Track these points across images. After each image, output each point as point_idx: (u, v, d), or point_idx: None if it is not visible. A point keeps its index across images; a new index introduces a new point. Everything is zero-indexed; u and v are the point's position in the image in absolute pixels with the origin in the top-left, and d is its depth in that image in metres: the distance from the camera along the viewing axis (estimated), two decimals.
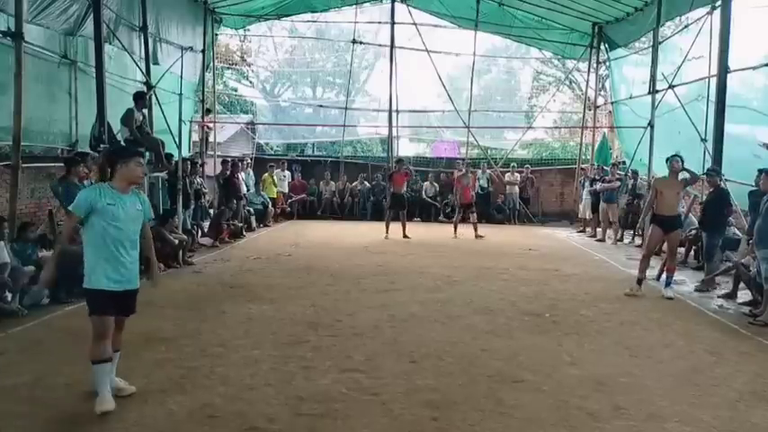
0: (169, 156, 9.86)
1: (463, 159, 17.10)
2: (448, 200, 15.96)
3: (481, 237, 12.14)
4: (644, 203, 11.50)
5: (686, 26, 11.68)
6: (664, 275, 7.37)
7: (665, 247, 9.86)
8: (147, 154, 9.30)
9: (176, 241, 8.47)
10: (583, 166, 15.94)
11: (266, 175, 14.76)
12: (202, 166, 13.93)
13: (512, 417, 3.60)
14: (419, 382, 4.13)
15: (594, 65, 16.42)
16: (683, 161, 7.15)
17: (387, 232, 12.07)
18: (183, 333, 5.16)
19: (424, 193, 16.10)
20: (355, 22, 16.63)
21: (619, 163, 14.38)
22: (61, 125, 9.19)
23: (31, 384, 3.97)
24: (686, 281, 8.10)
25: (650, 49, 12.81)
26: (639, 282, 7.14)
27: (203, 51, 14.56)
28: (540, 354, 4.82)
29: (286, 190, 15.58)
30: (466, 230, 12.42)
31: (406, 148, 21.00)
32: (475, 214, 12.69)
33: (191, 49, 13.45)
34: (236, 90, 22.50)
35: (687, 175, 7.31)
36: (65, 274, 6.24)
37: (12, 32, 7.11)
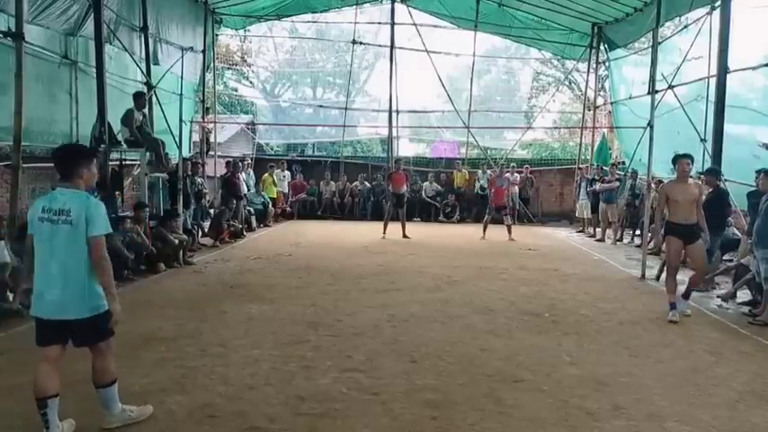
0: (166, 155, 9.87)
1: (463, 160, 17.14)
2: (447, 200, 16.00)
3: (513, 240, 12.01)
4: (640, 203, 11.54)
5: (686, 26, 11.69)
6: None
7: (664, 246, 9.93)
8: (148, 154, 9.33)
9: (176, 241, 8.48)
10: (581, 166, 15.96)
11: (266, 175, 14.79)
12: (203, 166, 13.94)
13: (511, 416, 3.61)
14: (419, 381, 4.14)
15: (594, 65, 16.43)
16: (693, 161, 6.39)
17: (384, 232, 12.14)
18: (183, 333, 5.17)
19: (423, 193, 16.13)
20: (355, 23, 16.65)
21: (618, 163, 14.38)
22: (62, 125, 9.21)
23: (31, 384, 3.95)
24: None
25: (650, 50, 12.81)
26: (673, 306, 6.13)
27: (204, 52, 14.57)
28: (539, 353, 4.83)
29: (286, 190, 15.62)
30: (454, 229, 12.39)
31: (406, 149, 21.05)
32: (509, 216, 12.62)
33: (191, 49, 13.46)
34: (236, 90, 22.53)
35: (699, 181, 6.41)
36: None
37: (12, 33, 7.11)
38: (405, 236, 11.98)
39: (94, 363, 3.32)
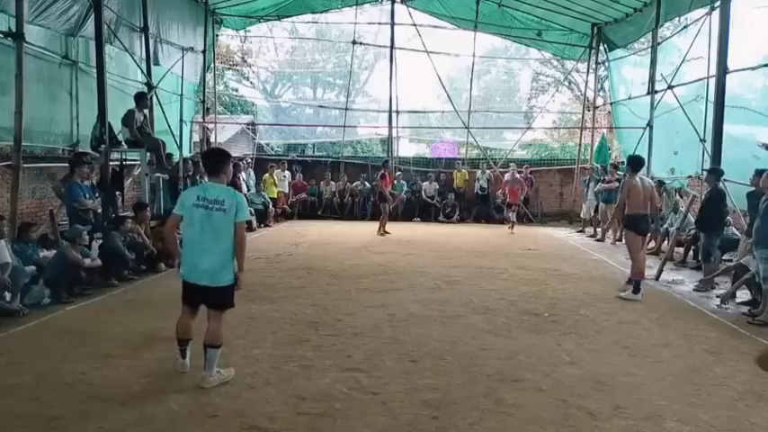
0: (169, 156, 9.88)
1: (462, 160, 17.15)
2: (447, 200, 16.02)
3: (512, 233, 13.17)
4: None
5: (685, 27, 11.71)
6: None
7: (664, 246, 9.98)
8: (148, 154, 9.34)
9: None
10: (585, 166, 15.93)
11: (267, 175, 14.81)
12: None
13: (511, 416, 3.62)
14: (419, 381, 4.15)
15: (593, 65, 16.44)
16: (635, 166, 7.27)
17: (382, 230, 12.51)
18: None
19: (423, 193, 16.15)
20: (355, 23, 16.68)
21: (618, 164, 14.37)
22: (62, 125, 9.23)
23: (32, 384, 3.98)
24: (685, 281, 8.12)
25: (649, 50, 12.84)
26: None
27: (204, 52, 14.59)
28: (539, 353, 4.83)
29: (286, 190, 15.65)
30: (454, 229, 12.39)
31: (406, 149, 21.06)
32: (515, 214, 13.93)
33: (191, 49, 13.48)
34: (236, 91, 22.53)
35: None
36: (66, 274, 6.30)
37: (13, 33, 7.14)
38: (381, 232, 12.39)
39: (210, 325, 4.04)
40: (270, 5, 15.77)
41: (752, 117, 9.31)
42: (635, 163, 7.35)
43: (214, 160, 4.12)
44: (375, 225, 12.94)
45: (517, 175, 14.27)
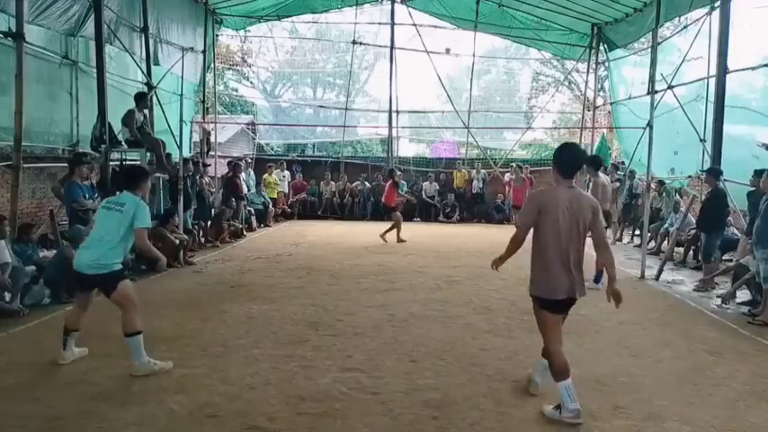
0: (169, 156, 9.86)
1: (462, 160, 17.16)
2: (447, 200, 16.03)
3: None
4: (641, 203, 11.56)
5: (685, 27, 11.71)
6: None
7: (664, 246, 9.99)
8: (148, 154, 9.33)
9: (177, 241, 8.49)
10: None
11: (267, 175, 14.82)
12: (204, 165, 13.93)
13: (511, 416, 3.62)
14: (419, 381, 4.15)
15: (593, 65, 16.45)
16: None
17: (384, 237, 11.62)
18: (183, 332, 5.17)
19: (423, 193, 16.16)
20: (355, 23, 16.69)
21: (618, 164, 14.39)
22: (62, 125, 9.22)
23: (32, 384, 3.98)
24: (685, 281, 8.12)
25: (649, 50, 12.83)
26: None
27: (204, 52, 14.58)
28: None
29: (286, 190, 15.66)
30: (454, 229, 12.36)
31: (406, 149, 21.08)
32: None
33: (191, 49, 13.47)
34: (236, 90, 22.54)
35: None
36: (66, 275, 6.29)
37: (13, 33, 7.14)
38: (387, 238, 11.40)
39: (122, 315, 4.20)
40: (270, 5, 15.76)
41: (752, 117, 9.32)
42: (597, 163, 7.86)
43: (132, 177, 4.56)
44: (376, 225, 12.89)
45: (521, 175, 14.44)
